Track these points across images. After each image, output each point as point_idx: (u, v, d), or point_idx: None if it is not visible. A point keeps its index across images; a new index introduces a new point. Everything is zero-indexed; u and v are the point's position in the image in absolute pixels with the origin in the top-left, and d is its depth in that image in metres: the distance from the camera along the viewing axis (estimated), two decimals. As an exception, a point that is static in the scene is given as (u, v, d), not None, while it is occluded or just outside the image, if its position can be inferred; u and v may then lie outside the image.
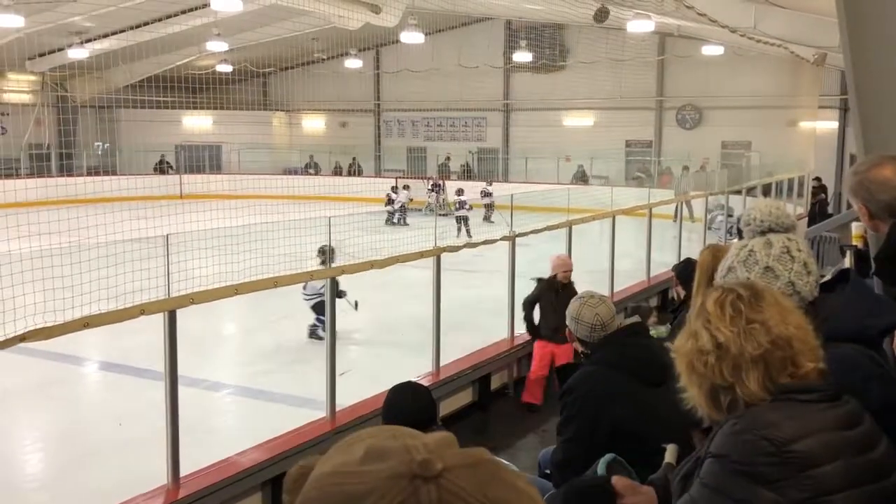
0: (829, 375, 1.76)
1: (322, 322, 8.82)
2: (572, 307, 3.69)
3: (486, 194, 22.87)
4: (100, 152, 29.66)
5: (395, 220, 22.18)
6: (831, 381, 1.76)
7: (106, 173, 26.56)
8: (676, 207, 15.12)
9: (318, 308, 9.26)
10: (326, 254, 6.81)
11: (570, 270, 7.76)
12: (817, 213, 20.23)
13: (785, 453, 1.63)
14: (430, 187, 25.04)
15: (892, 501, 1.70)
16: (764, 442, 1.65)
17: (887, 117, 3.34)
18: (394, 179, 26.75)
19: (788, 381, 1.71)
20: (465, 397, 7.50)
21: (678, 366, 1.84)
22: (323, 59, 31.14)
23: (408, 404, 3.59)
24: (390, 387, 3.86)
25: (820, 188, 19.55)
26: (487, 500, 0.58)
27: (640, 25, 18.05)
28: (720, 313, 1.76)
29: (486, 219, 20.74)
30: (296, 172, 31.40)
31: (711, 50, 23.90)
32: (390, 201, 23.21)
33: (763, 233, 2.37)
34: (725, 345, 1.72)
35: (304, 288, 9.49)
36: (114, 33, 23.77)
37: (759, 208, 2.68)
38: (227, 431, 7.23)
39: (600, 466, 2.48)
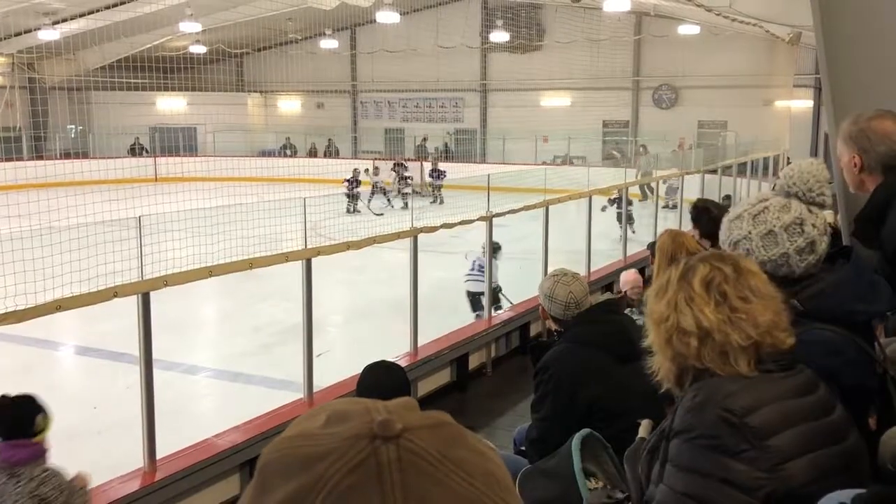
0: (796, 350, 1.78)
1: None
2: (545, 285, 3.69)
3: (439, 174, 22.74)
4: (73, 135, 29.27)
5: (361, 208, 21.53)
6: (793, 354, 1.77)
7: (79, 156, 26.23)
8: (642, 187, 15.19)
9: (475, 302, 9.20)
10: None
11: (640, 287, 6.91)
12: None
13: (745, 423, 1.65)
14: (391, 167, 24.61)
15: (851, 462, 1.74)
16: (725, 413, 1.67)
17: (858, 96, 3.36)
18: (370, 161, 26.63)
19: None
20: (443, 377, 7.52)
21: (649, 329, 1.83)
22: (298, 40, 30.86)
23: (381, 382, 3.59)
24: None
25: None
26: (447, 459, 0.58)
27: (617, 4, 18.08)
28: (706, 296, 1.74)
29: (436, 201, 20.67)
30: (272, 154, 31.19)
31: (687, 29, 23.96)
32: (353, 184, 21.82)
33: (787, 195, 2.15)
34: (709, 330, 1.72)
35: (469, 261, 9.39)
36: (85, 14, 23.40)
37: (797, 169, 2.24)
38: (206, 414, 7.21)
39: (574, 442, 2.49)
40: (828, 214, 2.56)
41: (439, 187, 22.54)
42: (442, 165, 24.09)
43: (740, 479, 1.64)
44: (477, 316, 9.03)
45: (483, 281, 8.77)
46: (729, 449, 1.66)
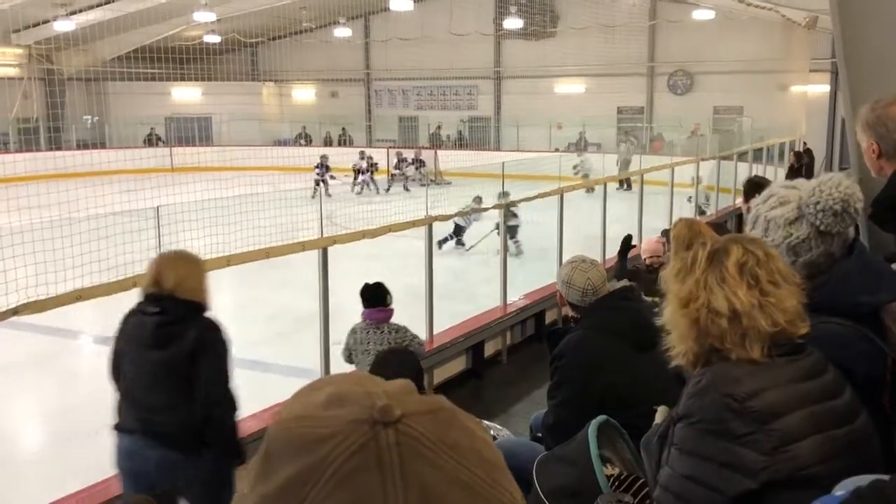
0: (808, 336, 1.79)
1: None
2: (563, 271, 3.70)
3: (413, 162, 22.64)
4: (89, 125, 29.44)
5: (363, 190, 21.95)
6: (803, 341, 1.78)
7: (95, 147, 26.40)
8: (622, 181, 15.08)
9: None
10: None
11: (658, 256, 6.59)
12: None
13: (748, 408, 1.67)
14: (410, 162, 24.86)
15: (859, 445, 1.74)
16: (727, 398, 1.68)
17: (875, 80, 3.34)
18: (385, 149, 26.65)
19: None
20: (458, 364, 7.55)
21: (671, 308, 1.83)
22: (312, 29, 30.85)
23: (394, 370, 3.62)
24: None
25: (799, 155, 18.78)
26: (444, 444, 0.61)
27: (631, -10, 17.92)
28: (738, 278, 1.75)
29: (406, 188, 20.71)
30: (286, 143, 31.25)
31: (702, 14, 23.78)
32: (359, 172, 22.78)
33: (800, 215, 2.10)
34: (740, 313, 1.72)
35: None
36: (100, 4, 23.51)
37: (830, 184, 2.07)
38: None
39: (591, 429, 2.51)
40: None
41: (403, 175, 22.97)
42: (451, 153, 24.11)
43: (742, 462, 1.66)
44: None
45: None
46: (731, 433, 1.68)
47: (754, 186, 5.13)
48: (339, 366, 6.23)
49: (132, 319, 3.62)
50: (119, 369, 3.66)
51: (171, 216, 5.28)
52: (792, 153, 17.95)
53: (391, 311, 5.62)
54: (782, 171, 17.66)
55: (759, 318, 1.71)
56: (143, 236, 4.87)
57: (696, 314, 1.77)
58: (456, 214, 8.03)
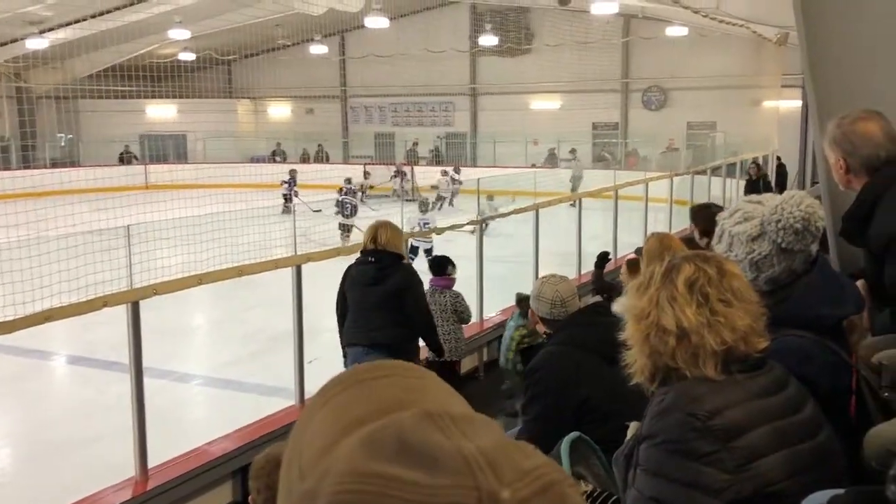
0: (768, 357, 1.79)
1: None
2: (534, 287, 3.77)
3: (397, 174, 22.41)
4: (62, 143, 29.17)
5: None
6: (763, 356, 1.78)
7: (68, 165, 26.15)
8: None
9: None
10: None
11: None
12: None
13: (711, 426, 1.66)
14: (393, 173, 24.85)
15: (823, 459, 1.74)
16: (690, 418, 1.67)
17: (841, 96, 3.38)
18: (361, 166, 26.61)
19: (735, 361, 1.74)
20: (435, 381, 7.50)
21: (629, 323, 1.83)
22: (287, 46, 30.81)
23: None
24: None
25: (759, 168, 18.40)
26: None
27: (604, 7, 18.13)
28: (688, 296, 1.74)
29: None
30: (262, 160, 31.13)
31: (675, 31, 24.02)
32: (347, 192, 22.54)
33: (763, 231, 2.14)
34: (688, 331, 1.72)
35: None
36: (73, 22, 23.32)
37: (787, 209, 2.10)
38: (198, 422, 7.20)
39: (563, 446, 2.50)
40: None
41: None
42: (428, 169, 24.12)
43: (706, 482, 1.65)
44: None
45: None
46: (694, 453, 1.66)
47: (701, 209, 5.39)
48: (315, 384, 6.20)
49: (356, 268, 5.30)
50: (345, 304, 5.36)
51: (144, 234, 5.23)
52: (752, 164, 17.84)
53: (453, 280, 6.80)
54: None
55: (707, 336, 1.70)
56: (114, 255, 4.81)
57: (647, 331, 1.77)
58: (413, 234, 8.08)
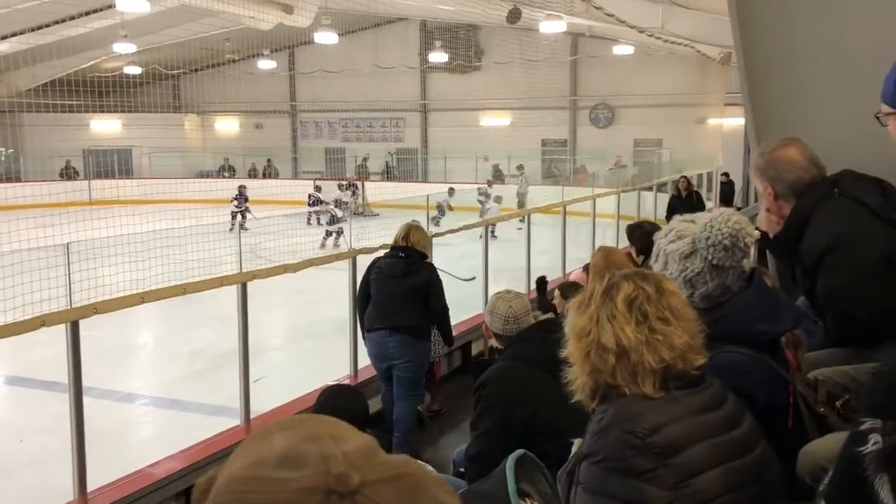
0: (706, 373, 1.82)
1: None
2: (489, 302, 3.80)
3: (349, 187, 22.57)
4: (3, 158, 28.45)
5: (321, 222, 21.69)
6: (702, 373, 1.81)
7: (10, 180, 25.51)
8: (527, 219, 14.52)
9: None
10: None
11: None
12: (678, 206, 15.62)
13: (650, 444, 1.67)
14: (345, 185, 24.80)
15: (760, 474, 1.77)
16: (629, 435, 1.69)
17: (779, 118, 3.46)
18: (311, 181, 26.46)
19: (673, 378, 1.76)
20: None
21: (570, 341, 1.85)
22: (235, 60, 30.59)
23: (346, 406, 3.58)
24: (319, 389, 3.84)
25: (687, 184, 17.72)
26: None
27: (552, 26, 18.32)
28: (627, 314, 1.77)
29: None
30: (210, 175, 30.74)
31: (622, 50, 24.43)
32: (316, 202, 22.66)
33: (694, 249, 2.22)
34: (627, 349, 1.74)
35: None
36: (12, 35, 22.79)
37: (720, 220, 2.20)
38: (142, 443, 7.04)
39: (509, 463, 2.50)
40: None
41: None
42: (378, 185, 24.08)
43: (646, 499, 1.66)
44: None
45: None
46: (633, 470, 1.67)
47: (636, 227, 5.73)
48: (261, 403, 6.11)
49: (385, 260, 5.99)
50: (368, 292, 5.96)
51: (86, 252, 5.11)
52: (681, 178, 17.20)
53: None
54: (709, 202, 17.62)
55: (646, 354, 1.73)
56: (53, 273, 4.70)
57: (587, 349, 1.80)
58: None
